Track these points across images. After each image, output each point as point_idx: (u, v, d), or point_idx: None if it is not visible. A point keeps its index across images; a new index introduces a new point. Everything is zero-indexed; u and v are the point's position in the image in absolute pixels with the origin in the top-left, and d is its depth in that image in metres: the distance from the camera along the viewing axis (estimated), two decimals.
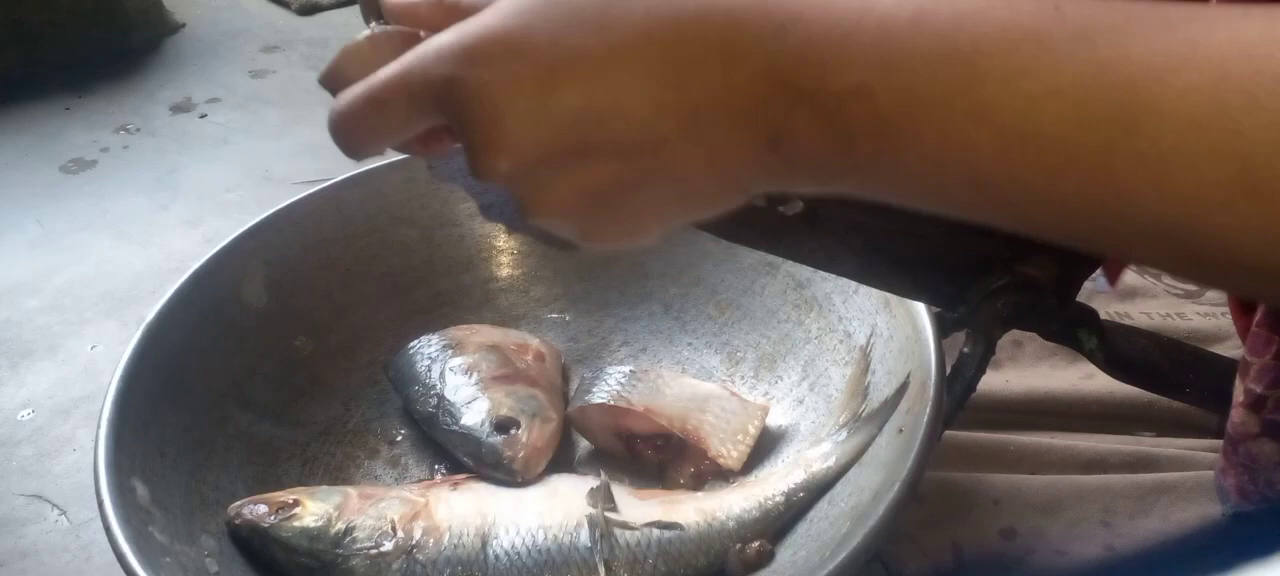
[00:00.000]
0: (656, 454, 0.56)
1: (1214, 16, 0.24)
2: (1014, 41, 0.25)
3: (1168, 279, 0.71)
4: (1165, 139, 0.23)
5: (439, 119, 0.30)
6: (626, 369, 0.59)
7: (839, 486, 0.51)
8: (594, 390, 0.57)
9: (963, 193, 0.27)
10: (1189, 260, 0.26)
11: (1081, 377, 0.60)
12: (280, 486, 0.54)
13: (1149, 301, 0.69)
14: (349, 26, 1.58)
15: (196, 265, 0.59)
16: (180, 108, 1.37)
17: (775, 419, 0.59)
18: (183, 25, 1.59)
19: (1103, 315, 0.48)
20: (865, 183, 0.29)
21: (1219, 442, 0.56)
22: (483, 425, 0.56)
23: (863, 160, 0.28)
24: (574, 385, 0.63)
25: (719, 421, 0.56)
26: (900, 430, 0.48)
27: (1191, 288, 0.70)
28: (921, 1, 0.26)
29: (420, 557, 0.50)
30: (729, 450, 0.55)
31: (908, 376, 0.50)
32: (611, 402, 0.56)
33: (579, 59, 0.28)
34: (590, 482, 0.53)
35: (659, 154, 0.28)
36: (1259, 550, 0.24)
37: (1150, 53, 0.24)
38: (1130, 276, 0.71)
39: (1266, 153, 0.22)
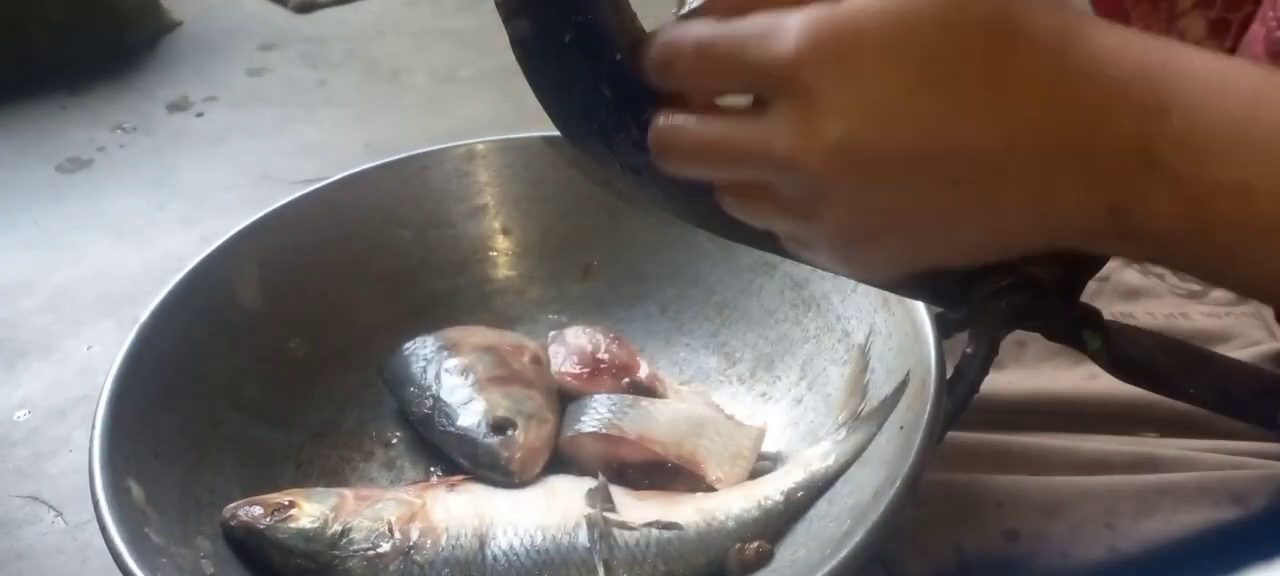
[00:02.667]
0: (651, 482, 0.55)
1: None
2: None
3: (1172, 278, 0.71)
4: None
5: (756, 90, 0.30)
6: (617, 394, 0.57)
7: (839, 485, 0.51)
8: (584, 418, 0.56)
9: None
10: None
11: (1085, 378, 0.59)
12: (275, 488, 0.54)
13: (1153, 301, 0.68)
14: (347, 24, 1.58)
15: (190, 266, 0.58)
16: (177, 106, 1.37)
17: (773, 421, 0.59)
18: (179, 23, 1.59)
19: (1106, 315, 0.48)
20: (1201, 268, 0.30)
21: (1224, 443, 0.55)
22: (479, 426, 0.56)
23: (1214, 250, 0.28)
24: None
25: (715, 445, 0.55)
26: (901, 427, 0.48)
27: (1196, 287, 0.70)
28: None
29: (418, 559, 0.50)
30: (727, 473, 0.54)
31: (907, 374, 0.50)
32: (604, 431, 0.55)
33: (952, 79, 0.28)
34: (588, 483, 0.53)
35: (989, 189, 0.28)
36: (1262, 552, 0.24)
37: None
38: (1133, 276, 0.71)
39: None
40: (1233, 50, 0.42)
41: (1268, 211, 0.27)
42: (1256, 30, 0.39)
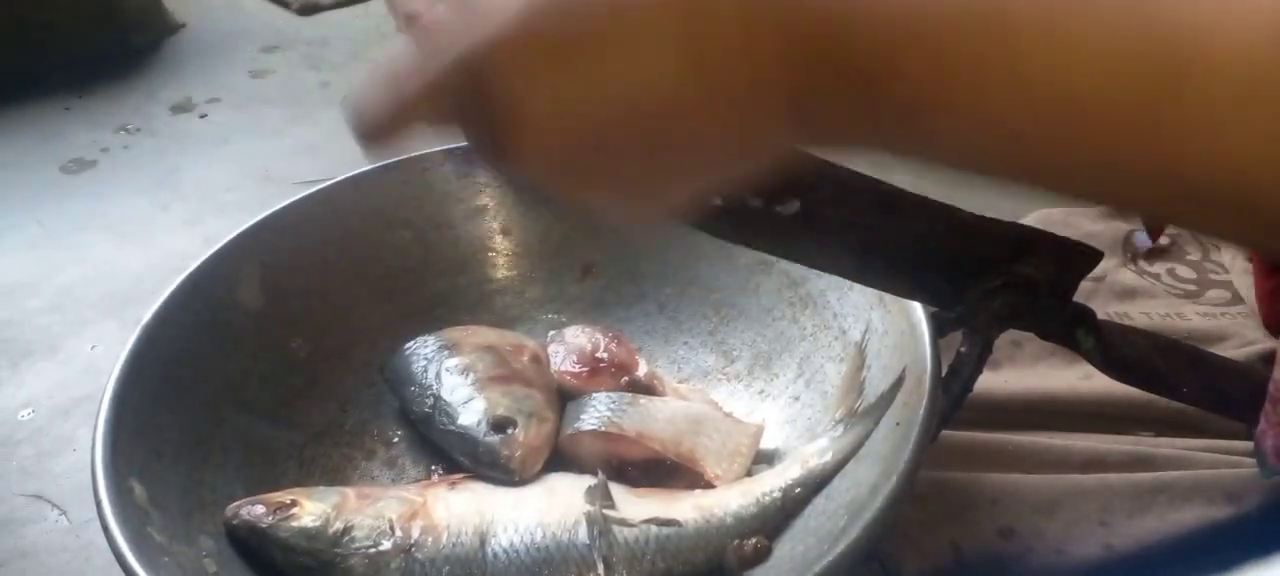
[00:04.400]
0: (650, 480, 0.55)
1: None
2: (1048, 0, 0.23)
3: (1168, 279, 0.71)
4: (1215, 97, 0.22)
5: (457, 116, 0.30)
6: (617, 393, 0.58)
7: (836, 481, 0.51)
8: (583, 416, 0.56)
9: (1001, 158, 0.26)
10: (1240, 221, 0.24)
11: (1080, 378, 0.60)
12: (277, 487, 0.54)
13: (1149, 301, 0.69)
14: (349, 26, 1.58)
15: (192, 267, 0.59)
16: (180, 108, 1.37)
17: (771, 418, 0.59)
18: (183, 25, 1.59)
19: (1101, 315, 0.48)
20: (894, 147, 0.28)
21: (1218, 442, 0.56)
22: (479, 425, 0.56)
23: (891, 125, 0.26)
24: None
25: (713, 443, 0.56)
26: (897, 424, 0.48)
27: (1192, 288, 0.70)
28: None
29: (419, 556, 0.50)
30: (725, 470, 0.55)
31: (903, 371, 0.50)
32: (603, 429, 0.55)
33: (591, 37, 0.27)
34: (588, 481, 0.53)
35: (683, 125, 0.28)
36: (1256, 550, 0.24)
37: (1195, 5, 0.22)
38: (1129, 277, 0.71)
39: None
40: None
41: (918, 73, 0.25)
42: None
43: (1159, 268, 0.71)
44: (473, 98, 0.28)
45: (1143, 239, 0.67)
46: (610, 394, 0.58)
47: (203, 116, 1.34)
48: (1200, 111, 0.22)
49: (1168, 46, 0.22)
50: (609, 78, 0.27)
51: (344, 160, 1.15)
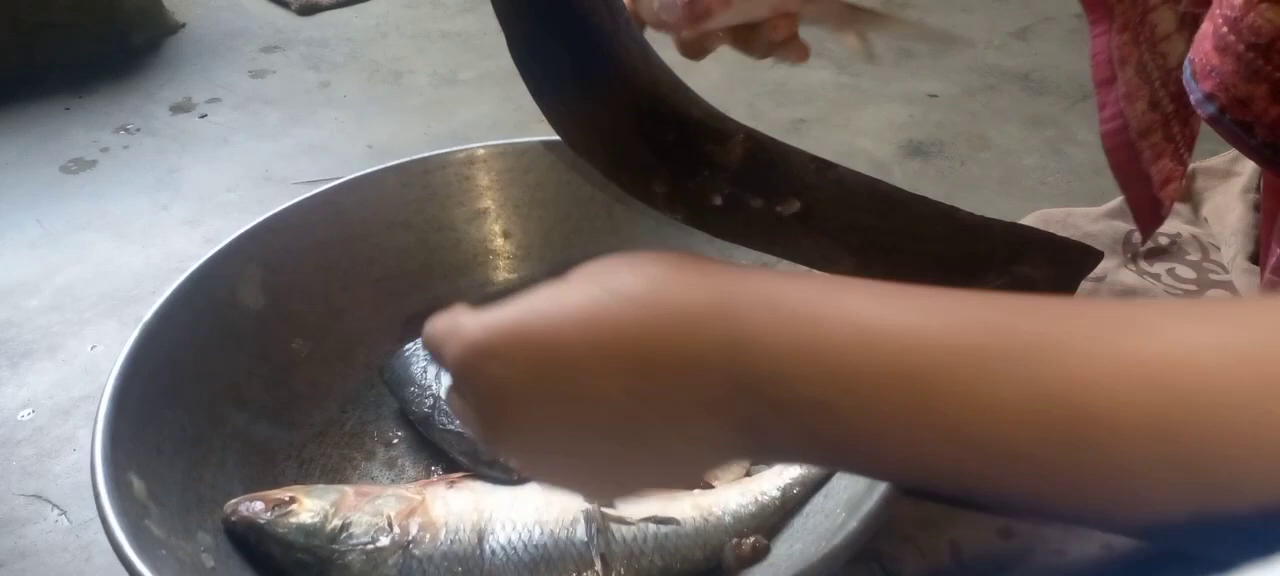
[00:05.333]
0: None
1: (1149, 323, 0.26)
2: (959, 365, 0.26)
3: (1167, 279, 0.71)
4: (1117, 451, 0.24)
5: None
6: None
7: (835, 480, 0.51)
8: None
9: (935, 482, 0.28)
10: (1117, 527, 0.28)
11: None
12: (277, 486, 0.54)
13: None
14: (349, 26, 1.58)
15: (193, 267, 0.59)
16: (180, 108, 1.37)
17: None
18: (183, 25, 1.59)
19: None
20: (839, 467, 0.33)
21: None
22: None
23: (832, 453, 0.30)
24: None
25: None
26: None
27: (1192, 288, 0.70)
28: (865, 321, 0.28)
29: (417, 553, 0.50)
30: (724, 470, 0.55)
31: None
32: None
33: (566, 354, 0.31)
34: None
35: (640, 436, 0.31)
36: (1259, 550, 0.24)
37: (1096, 369, 0.25)
38: (1129, 277, 0.71)
39: (1211, 460, 0.24)
40: None
41: (852, 419, 0.28)
42: (1206, 28, 0.39)
43: (1159, 268, 0.71)
44: (464, 388, 0.35)
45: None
46: None
47: (203, 116, 1.34)
48: (1105, 465, 0.24)
49: (1070, 410, 0.25)
50: (576, 393, 0.31)
51: (344, 160, 1.16)
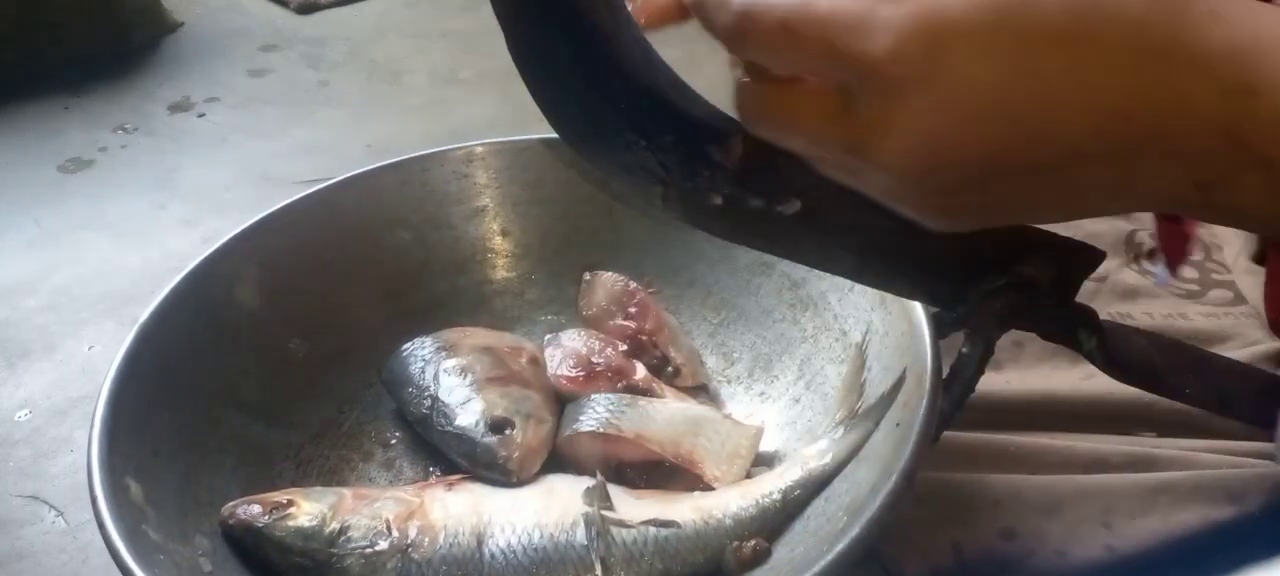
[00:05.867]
0: (648, 481, 0.55)
1: None
2: None
3: (1171, 279, 0.71)
4: None
5: (840, 78, 0.29)
6: (615, 394, 0.58)
7: (836, 482, 0.51)
8: (582, 418, 0.56)
9: None
10: None
11: (1082, 378, 0.59)
12: (274, 488, 0.54)
13: (1151, 302, 0.68)
14: (348, 25, 1.58)
15: (189, 267, 0.59)
16: (179, 107, 1.37)
17: (771, 420, 0.59)
18: (181, 24, 1.59)
19: (1103, 315, 0.48)
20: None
21: (1221, 443, 0.55)
22: (477, 425, 0.56)
23: None
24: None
25: (713, 444, 0.55)
26: (897, 425, 0.48)
27: (1194, 288, 0.70)
28: None
29: (415, 556, 0.50)
30: (724, 472, 0.54)
31: (904, 372, 0.50)
32: (602, 430, 0.55)
33: (1037, 72, 0.28)
34: (586, 482, 0.53)
35: (1072, 170, 0.29)
36: (1259, 551, 0.24)
37: None
38: (1131, 276, 0.71)
39: None
40: None
41: None
42: None
43: (1161, 268, 0.71)
44: (880, 85, 0.29)
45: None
46: (609, 395, 0.57)
47: (201, 116, 1.34)
48: None
49: None
50: (1033, 115, 0.28)
51: (343, 159, 1.16)
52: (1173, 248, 0.53)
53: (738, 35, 0.31)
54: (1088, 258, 0.44)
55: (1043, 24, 0.28)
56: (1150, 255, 0.72)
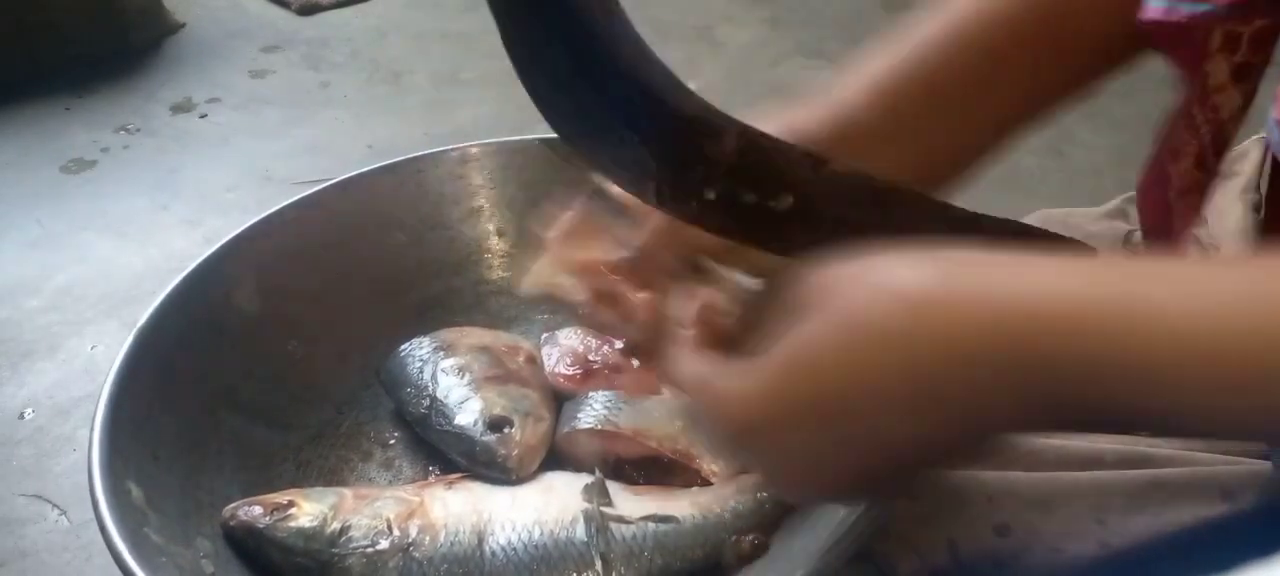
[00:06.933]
0: (647, 477, 0.55)
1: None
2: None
3: None
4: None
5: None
6: (612, 392, 0.58)
7: None
8: (580, 415, 0.56)
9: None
10: None
11: None
12: (274, 489, 0.54)
13: None
14: (349, 26, 1.58)
15: (187, 270, 0.59)
16: (180, 108, 1.37)
17: None
18: (183, 25, 1.59)
19: None
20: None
21: (1217, 442, 0.55)
22: (476, 424, 0.56)
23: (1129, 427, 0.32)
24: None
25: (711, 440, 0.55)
26: None
27: None
28: (1175, 327, 0.27)
29: (417, 555, 0.50)
30: (723, 467, 0.55)
31: None
32: (600, 427, 0.55)
33: (847, 409, 0.31)
34: (585, 479, 0.53)
35: (924, 458, 0.32)
36: (1253, 549, 0.24)
37: None
38: None
39: None
40: (1252, 94, 0.42)
41: (1168, 409, 0.28)
42: None
43: None
44: (745, 453, 0.35)
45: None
46: (606, 392, 0.58)
47: (203, 116, 1.34)
48: None
49: None
50: (861, 436, 0.31)
51: (344, 160, 1.16)
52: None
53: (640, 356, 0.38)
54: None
55: (827, 381, 0.31)
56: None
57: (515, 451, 0.55)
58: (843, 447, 0.32)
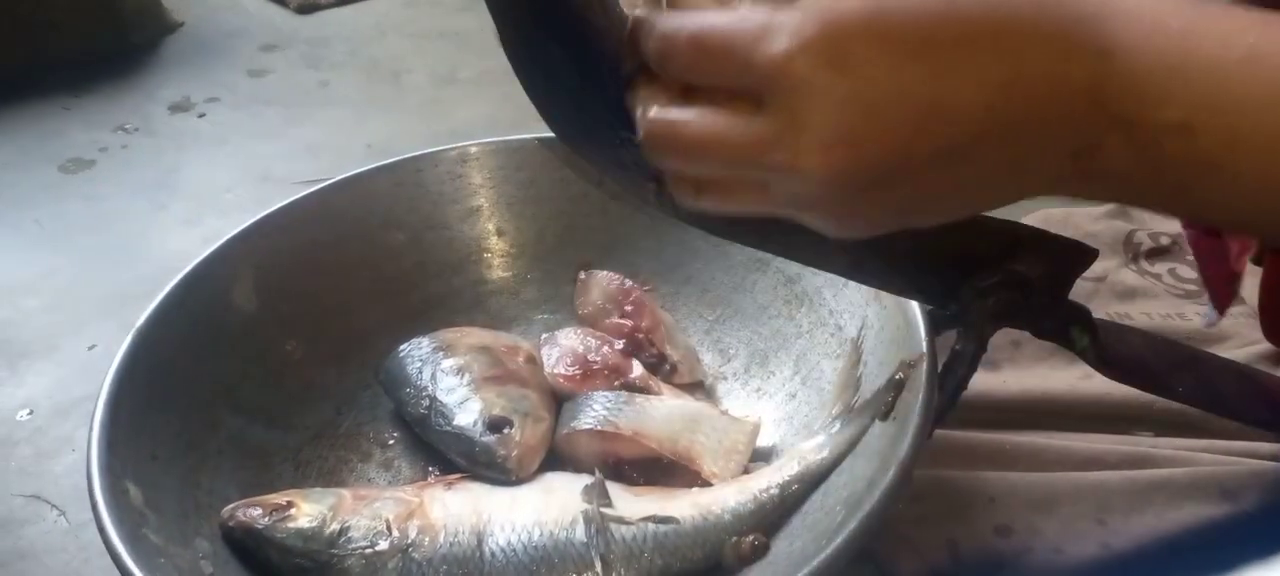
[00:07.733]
0: (647, 478, 0.55)
1: None
2: None
3: (1168, 279, 0.71)
4: None
5: (750, 86, 0.30)
6: (612, 392, 0.58)
7: (833, 477, 0.51)
8: (580, 416, 0.56)
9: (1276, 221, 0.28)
10: None
11: (1079, 378, 0.60)
12: (273, 490, 0.54)
13: (1150, 301, 0.68)
14: (348, 25, 1.58)
15: (186, 269, 0.59)
16: (179, 107, 1.37)
17: (768, 416, 0.59)
18: (181, 24, 1.59)
19: (1102, 315, 0.48)
20: (1166, 205, 0.31)
21: (1217, 442, 0.55)
22: (475, 425, 0.56)
23: (1170, 187, 0.29)
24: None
25: (710, 440, 0.55)
26: (893, 420, 0.48)
27: (1192, 287, 0.70)
28: (1254, 42, 0.27)
29: (416, 556, 0.50)
30: (722, 468, 0.55)
31: (899, 365, 0.50)
32: (600, 428, 0.55)
33: (929, 52, 0.28)
34: (585, 479, 0.53)
35: (972, 156, 0.29)
36: (1254, 549, 0.24)
37: None
38: (1130, 276, 0.71)
39: None
40: None
41: (1209, 148, 0.27)
42: None
43: (1160, 268, 0.71)
44: (785, 89, 0.29)
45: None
46: (606, 393, 0.58)
47: (201, 116, 1.34)
48: None
49: None
50: (930, 106, 0.29)
51: (343, 159, 1.16)
52: (1220, 288, 0.53)
53: (661, 58, 0.32)
54: (1080, 256, 0.44)
55: (925, 13, 0.29)
56: (1150, 256, 0.73)
57: (515, 452, 0.55)
58: (914, 100, 0.29)
